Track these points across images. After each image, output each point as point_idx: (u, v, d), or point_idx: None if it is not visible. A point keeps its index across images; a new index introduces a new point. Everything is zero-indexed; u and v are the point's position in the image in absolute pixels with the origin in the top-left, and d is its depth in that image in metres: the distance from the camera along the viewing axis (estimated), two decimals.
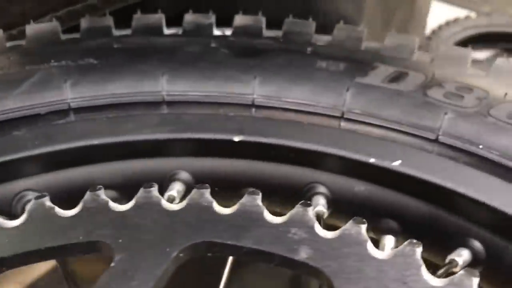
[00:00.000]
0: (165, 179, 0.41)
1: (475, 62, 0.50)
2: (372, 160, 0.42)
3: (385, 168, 0.42)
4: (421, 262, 0.29)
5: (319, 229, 0.30)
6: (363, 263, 0.28)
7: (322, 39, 0.51)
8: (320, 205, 0.44)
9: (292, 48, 0.49)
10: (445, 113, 0.43)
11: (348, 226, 0.31)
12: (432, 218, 0.42)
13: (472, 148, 0.42)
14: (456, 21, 1.61)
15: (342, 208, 0.45)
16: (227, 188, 0.45)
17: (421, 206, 0.42)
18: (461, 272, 0.29)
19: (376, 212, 0.44)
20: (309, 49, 0.49)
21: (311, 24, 0.52)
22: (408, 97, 0.44)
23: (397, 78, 0.46)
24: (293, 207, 0.44)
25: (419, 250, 0.29)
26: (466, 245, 0.41)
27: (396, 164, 0.42)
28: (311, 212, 0.31)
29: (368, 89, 0.45)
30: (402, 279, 0.27)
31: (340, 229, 0.31)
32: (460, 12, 1.66)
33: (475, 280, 0.28)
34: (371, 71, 0.46)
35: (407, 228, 0.43)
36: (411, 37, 0.51)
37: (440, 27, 1.59)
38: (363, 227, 0.31)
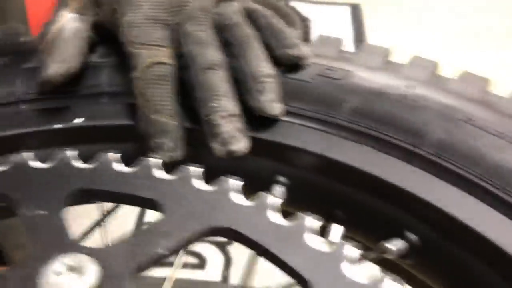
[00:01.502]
0: None
1: None
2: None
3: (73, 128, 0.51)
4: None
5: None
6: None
7: None
8: None
9: None
10: (103, 71, 0.53)
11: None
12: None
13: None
14: None
15: None
16: None
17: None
18: None
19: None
20: None
21: None
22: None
23: None
24: None
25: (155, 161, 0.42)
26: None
27: (78, 121, 0.51)
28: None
29: (35, 71, 0.52)
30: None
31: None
32: None
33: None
34: (34, 57, 0.54)
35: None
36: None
37: None
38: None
